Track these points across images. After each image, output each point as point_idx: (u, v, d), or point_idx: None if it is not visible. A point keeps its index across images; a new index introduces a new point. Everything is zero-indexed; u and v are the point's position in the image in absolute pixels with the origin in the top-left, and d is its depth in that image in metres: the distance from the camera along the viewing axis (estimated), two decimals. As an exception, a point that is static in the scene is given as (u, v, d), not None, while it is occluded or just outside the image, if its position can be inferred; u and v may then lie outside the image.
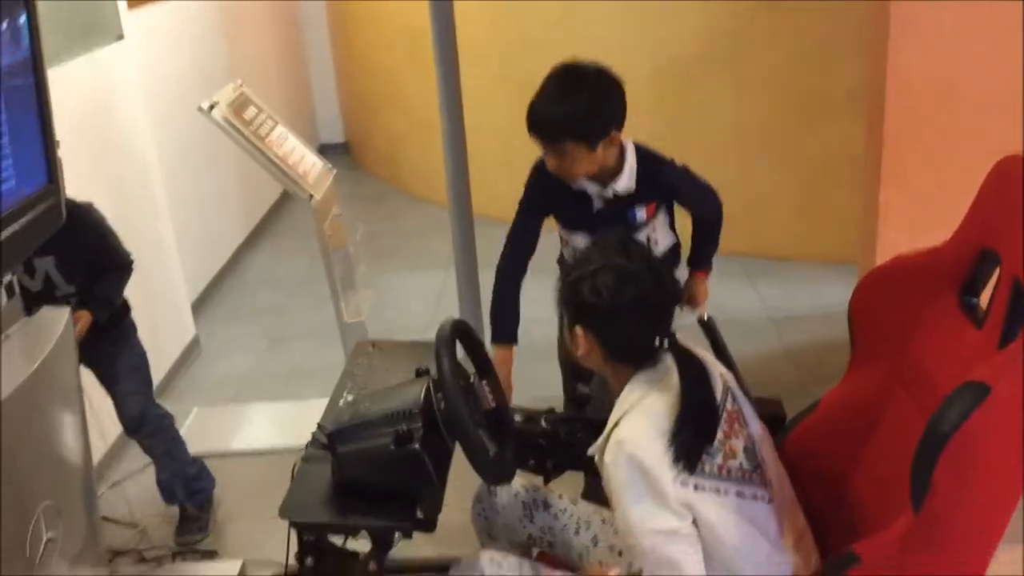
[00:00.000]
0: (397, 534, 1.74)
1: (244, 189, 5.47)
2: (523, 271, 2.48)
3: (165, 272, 4.03)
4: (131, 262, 2.74)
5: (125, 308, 2.80)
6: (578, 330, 1.71)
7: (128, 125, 3.72)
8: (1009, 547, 1.61)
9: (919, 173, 2.83)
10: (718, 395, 1.74)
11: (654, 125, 3.28)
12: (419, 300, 4.68)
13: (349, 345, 3.32)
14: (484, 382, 1.94)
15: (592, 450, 1.74)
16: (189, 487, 2.93)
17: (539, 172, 2.42)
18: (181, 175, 4.44)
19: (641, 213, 2.40)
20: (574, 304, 1.71)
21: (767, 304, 4.49)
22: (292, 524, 1.74)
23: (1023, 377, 1.49)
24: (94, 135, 3.44)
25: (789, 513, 1.80)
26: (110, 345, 2.74)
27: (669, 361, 1.71)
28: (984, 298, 1.75)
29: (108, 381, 2.79)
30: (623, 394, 1.72)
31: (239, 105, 3.17)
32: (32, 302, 2.42)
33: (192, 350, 4.23)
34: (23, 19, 2.02)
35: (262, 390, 3.88)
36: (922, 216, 2.08)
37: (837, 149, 4.52)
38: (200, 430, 3.56)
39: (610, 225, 2.37)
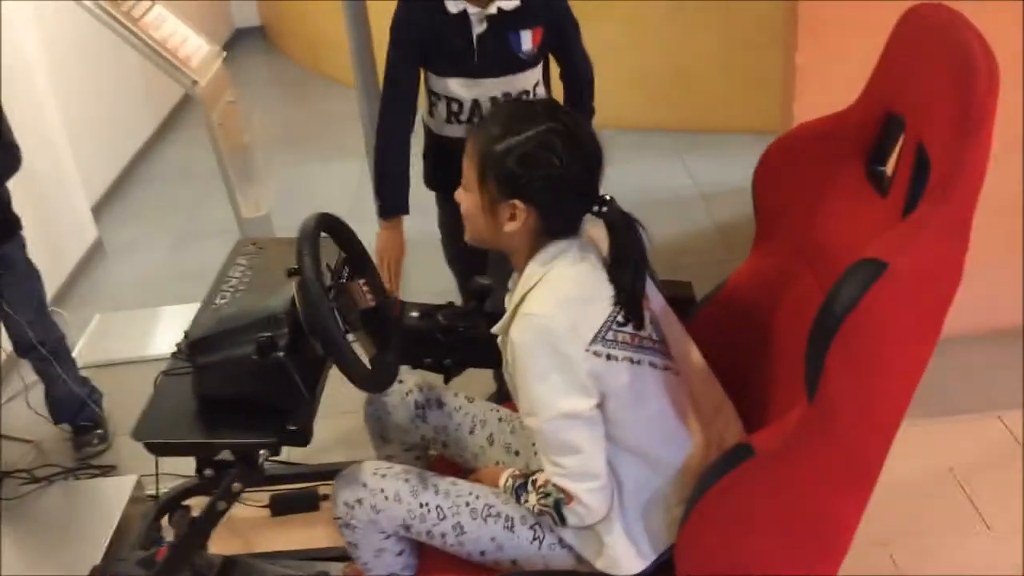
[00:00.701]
0: (263, 451, 1.60)
1: (148, 80, 5.14)
2: (408, 126, 2.26)
3: (56, 170, 3.78)
4: (12, 148, 2.49)
5: (9, 225, 2.57)
6: (517, 203, 1.53)
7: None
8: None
9: (837, 29, 2.65)
10: None
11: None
12: (338, 190, 4.48)
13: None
14: (361, 280, 1.78)
15: (496, 329, 1.62)
16: (79, 405, 2.79)
17: (405, 10, 2.19)
18: (74, 68, 4.14)
19: (526, 39, 2.16)
20: (510, 175, 1.52)
21: (697, 180, 4.36)
22: (146, 446, 1.60)
23: (923, 249, 1.37)
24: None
25: (702, 387, 1.72)
26: None
27: (587, 231, 1.61)
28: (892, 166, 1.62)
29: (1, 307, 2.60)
30: (528, 270, 1.58)
31: (103, -16, 2.88)
32: None
33: (95, 253, 4.03)
34: None
35: (168, 293, 3.70)
36: (842, 77, 1.91)
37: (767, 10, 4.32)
38: (102, 337, 3.39)
39: (490, 63, 2.16)
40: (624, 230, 1.57)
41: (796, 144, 1.84)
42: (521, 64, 2.20)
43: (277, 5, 6.75)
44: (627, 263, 1.56)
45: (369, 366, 1.68)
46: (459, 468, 1.93)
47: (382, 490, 1.69)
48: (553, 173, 1.52)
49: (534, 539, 1.67)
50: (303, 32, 6.45)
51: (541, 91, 2.29)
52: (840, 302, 1.37)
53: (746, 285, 1.94)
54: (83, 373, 2.90)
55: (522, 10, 2.14)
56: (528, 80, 2.23)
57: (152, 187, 4.77)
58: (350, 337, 1.67)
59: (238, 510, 2.49)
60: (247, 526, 2.53)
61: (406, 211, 2.29)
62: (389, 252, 2.32)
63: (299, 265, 1.57)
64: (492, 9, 2.12)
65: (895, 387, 1.44)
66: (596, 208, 1.57)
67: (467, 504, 1.68)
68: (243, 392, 1.61)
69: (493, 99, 2.22)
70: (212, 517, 1.64)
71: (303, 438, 1.63)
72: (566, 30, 2.23)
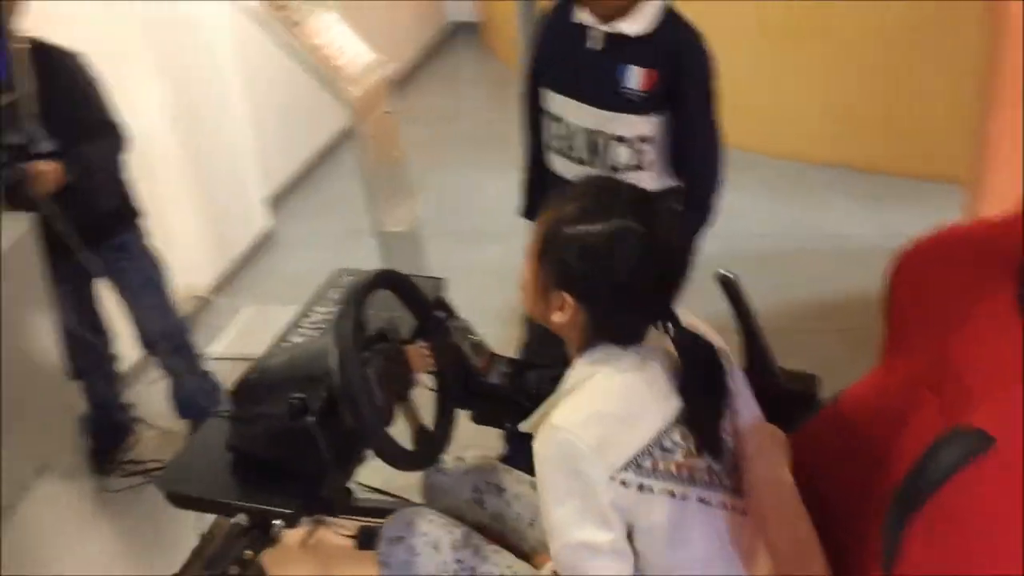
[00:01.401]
0: (277, 522, 1.50)
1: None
2: (539, 139, 2.17)
3: (234, 162, 3.90)
4: (118, 127, 2.50)
5: (127, 213, 2.63)
6: (567, 297, 1.36)
7: (199, 12, 3.54)
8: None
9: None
10: None
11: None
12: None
13: (386, 256, 3.10)
14: (423, 344, 1.65)
15: (525, 426, 1.45)
16: (204, 402, 2.83)
17: (546, 15, 2.07)
18: (264, 63, 4.26)
19: (636, 77, 1.96)
20: (566, 265, 1.35)
21: (888, 230, 3.95)
22: (167, 496, 1.54)
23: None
24: (157, 22, 3.30)
25: (781, 522, 1.48)
26: (117, 254, 2.59)
27: (655, 342, 1.40)
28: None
29: (123, 295, 2.67)
30: (574, 367, 1.41)
31: (277, -11, 2.89)
32: (12, 156, 2.29)
33: (266, 242, 4.13)
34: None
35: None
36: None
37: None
38: (246, 330, 3.45)
39: (593, 89, 1.99)
40: (692, 359, 1.37)
41: (941, 250, 1.56)
42: (623, 103, 1.99)
43: (490, 5, 6.73)
44: (695, 393, 1.36)
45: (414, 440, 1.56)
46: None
47: (425, 535, 1.61)
48: (614, 279, 1.33)
49: None
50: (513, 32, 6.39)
51: (648, 155, 2.05)
52: (926, 476, 1.12)
53: (863, 401, 1.66)
54: (219, 365, 2.94)
55: (643, 43, 1.94)
56: (629, 126, 2.01)
57: (332, 185, 4.84)
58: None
59: (325, 535, 2.44)
60: (328, 553, 2.47)
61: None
62: None
63: (336, 329, 1.46)
64: (611, 28, 1.94)
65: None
66: (660, 325, 1.37)
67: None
68: (269, 453, 1.53)
69: (588, 133, 2.03)
70: (223, 581, 1.56)
71: (329, 507, 1.52)
72: (685, 89, 1.98)
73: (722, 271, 1.97)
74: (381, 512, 2.48)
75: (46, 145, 2.35)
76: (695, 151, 2.04)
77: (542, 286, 1.38)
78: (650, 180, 2.04)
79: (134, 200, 2.65)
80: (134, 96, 3.28)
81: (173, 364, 2.78)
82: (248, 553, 1.53)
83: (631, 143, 2.00)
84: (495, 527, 1.78)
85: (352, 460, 1.57)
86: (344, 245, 4.13)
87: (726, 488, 1.42)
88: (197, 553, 1.92)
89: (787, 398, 1.86)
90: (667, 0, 1.97)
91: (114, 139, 2.49)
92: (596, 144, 2.01)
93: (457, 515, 1.80)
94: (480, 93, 6.37)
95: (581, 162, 2.05)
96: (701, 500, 1.38)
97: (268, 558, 2.06)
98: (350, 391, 1.43)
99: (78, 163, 2.37)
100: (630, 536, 1.34)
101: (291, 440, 1.49)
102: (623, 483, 1.30)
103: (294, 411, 1.48)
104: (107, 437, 2.80)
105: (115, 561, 2.33)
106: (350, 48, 3.01)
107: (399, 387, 1.58)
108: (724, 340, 1.52)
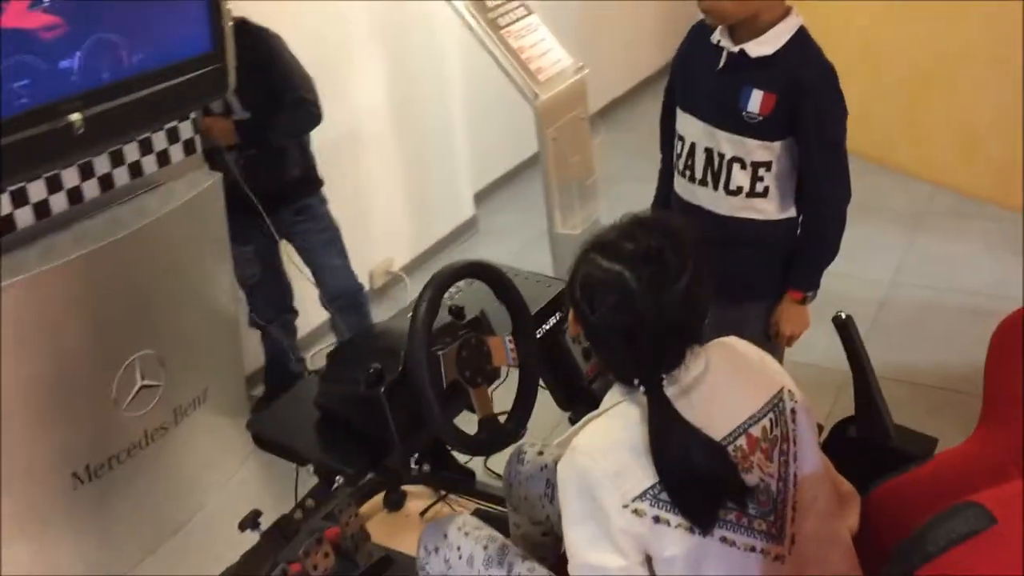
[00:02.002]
0: (338, 477, 1.62)
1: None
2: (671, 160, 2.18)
3: (448, 154, 4.11)
4: (310, 100, 2.69)
5: (311, 181, 2.85)
6: (572, 314, 1.41)
7: (425, 10, 3.76)
8: None
9: None
10: (739, 422, 1.38)
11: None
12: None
13: (558, 256, 3.17)
14: (509, 337, 1.71)
15: (558, 442, 1.49)
16: None
17: (688, 33, 2.08)
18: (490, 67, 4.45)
19: (755, 100, 1.91)
20: (572, 291, 1.39)
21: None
22: (252, 436, 1.70)
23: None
24: (388, 13, 3.55)
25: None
26: (297, 217, 2.82)
27: (693, 365, 1.38)
28: None
29: (306, 255, 2.91)
30: (610, 391, 1.43)
31: (486, -10, 3.05)
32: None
33: (467, 229, 4.32)
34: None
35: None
36: None
37: None
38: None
39: (715, 107, 1.96)
40: (656, 420, 1.31)
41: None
42: (742, 125, 1.94)
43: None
44: (656, 456, 1.30)
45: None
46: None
47: (459, 548, 1.66)
48: (591, 318, 1.34)
49: None
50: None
51: (767, 181, 1.98)
52: (920, 548, 1.06)
53: (950, 467, 1.56)
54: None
55: (766, 65, 1.90)
56: (746, 150, 1.96)
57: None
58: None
59: (442, 512, 2.55)
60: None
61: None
62: None
63: (415, 308, 1.55)
64: (736, 48, 1.92)
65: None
66: (637, 383, 1.34)
67: None
68: (345, 415, 1.64)
69: (707, 151, 2.00)
70: (286, 525, 1.69)
71: (389, 476, 1.62)
72: (805, 116, 1.90)
73: (840, 313, 1.90)
74: (498, 499, 2.57)
75: (241, 113, 2.61)
76: (812, 182, 1.97)
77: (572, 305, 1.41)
78: (771, 208, 1.99)
79: (316, 169, 2.86)
80: (359, 82, 3.56)
81: (346, 321, 2.98)
82: (310, 501, 1.66)
83: (749, 167, 1.96)
84: (559, 526, 1.81)
85: (418, 435, 1.65)
86: (537, 242, 4.24)
87: (760, 533, 1.37)
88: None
89: (894, 455, 1.76)
90: (803, 26, 1.91)
91: (304, 114, 2.70)
92: (714, 166, 1.99)
93: (530, 507, 1.85)
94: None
95: (701, 183, 2.03)
96: (724, 540, 1.35)
97: (380, 527, 2.21)
98: (414, 367, 1.52)
99: (264, 129, 2.61)
100: (651, 564, 1.34)
101: (363, 406, 1.60)
102: (636, 512, 1.30)
103: (369, 379, 1.59)
104: (279, 385, 3.05)
105: (253, 494, 2.54)
106: (550, 53, 3.11)
107: (474, 373, 1.64)
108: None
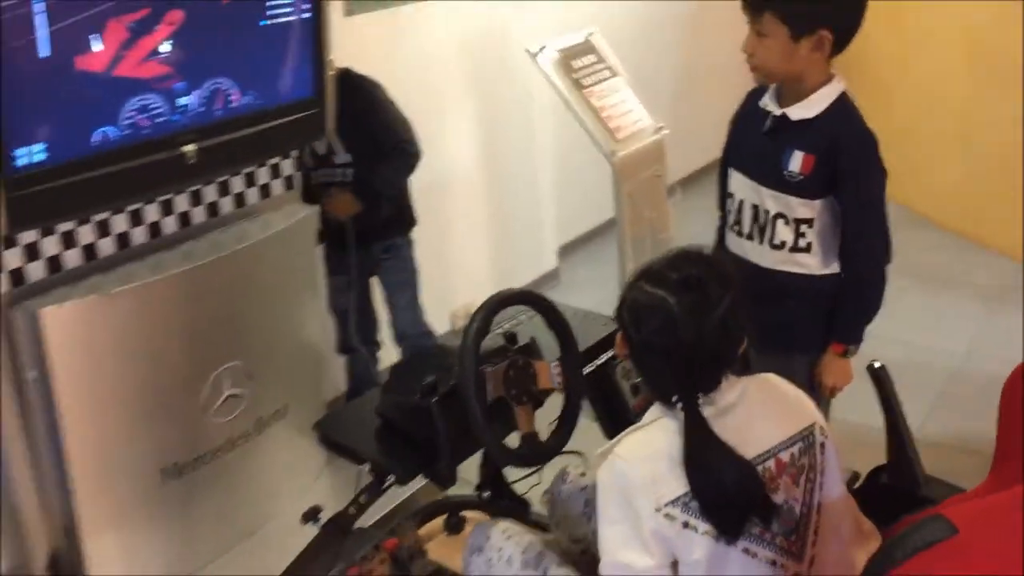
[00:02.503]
0: (390, 476, 1.78)
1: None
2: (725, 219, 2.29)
3: (534, 202, 4.30)
4: (409, 148, 2.86)
5: (403, 221, 3.04)
6: (619, 336, 1.56)
7: (522, 69, 3.98)
8: None
9: None
10: (769, 446, 1.50)
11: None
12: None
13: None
14: (555, 363, 1.86)
15: (600, 451, 1.61)
16: None
17: (745, 97, 2.21)
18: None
19: (795, 161, 2.02)
20: (620, 317, 1.54)
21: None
22: (319, 436, 1.88)
23: (1003, 530, 1.10)
24: (486, 69, 3.79)
25: None
26: (384, 255, 3.01)
27: (729, 392, 1.51)
28: None
29: (385, 292, 3.09)
30: (651, 408, 1.57)
31: (575, 52, 3.24)
32: (314, 165, 2.82)
33: (548, 280, 4.48)
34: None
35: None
36: None
37: None
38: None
39: (760, 165, 2.08)
40: (690, 436, 1.44)
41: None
42: (784, 184, 2.05)
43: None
44: (690, 471, 1.42)
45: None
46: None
47: (500, 549, 1.78)
48: (638, 339, 1.47)
49: None
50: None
51: (809, 237, 2.08)
52: (889, 556, 1.17)
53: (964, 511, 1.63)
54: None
55: (807, 127, 2.01)
56: (788, 207, 2.06)
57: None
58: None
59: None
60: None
61: None
62: None
63: (466, 327, 1.72)
64: (779, 111, 2.05)
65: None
66: (675, 400, 1.47)
67: None
68: (399, 422, 1.81)
69: (753, 207, 2.12)
70: (341, 521, 1.86)
71: (441, 481, 1.78)
72: (842, 176, 2.01)
73: (874, 362, 1.99)
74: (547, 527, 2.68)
75: (343, 157, 2.84)
76: (849, 240, 2.06)
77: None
78: (814, 263, 2.08)
79: (411, 210, 3.06)
80: (453, 132, 3.79)
81: None
82: (363, 497, 1.83)
83: (792, 223, 2.07)
84: (596, 543, 1.93)
85: (465, 445, 1.81)
86: (615, 296, 4.37)
87: (781, 549, 1.48)
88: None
89: (922, 503, 1.83)
90: (845, 91, 2.03)
91: (404, 161, 2.90)
92: (760, 221, 2.10)
93: (570, 525, 1.98)
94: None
95: (748, 237, 2.14)
96: (746, 551, 1.46)
97: (437, 547, 2.35)
98: (462, 381, 1.68)
99: (370, 185, 2.82)
100: (675, 567, 1.46)
101: (416, 414, 1.77)
102: (668, 516, 1.42)
103: (423, 390, 1.76)
104: None
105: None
106: (631, 113, 3.28)
107: (520, 392, 1.79)
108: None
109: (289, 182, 2.74)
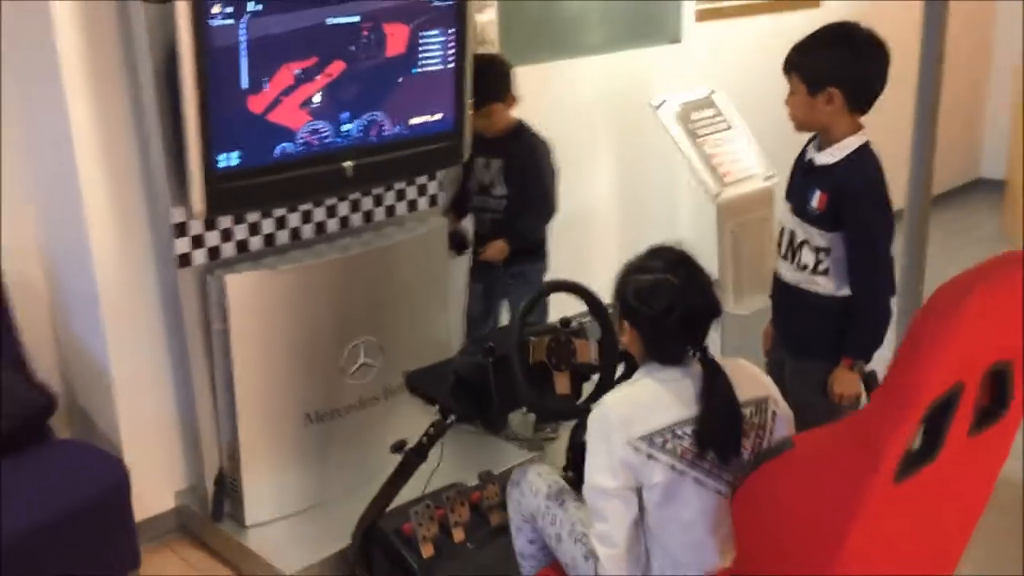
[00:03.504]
0: (451, 416, 2.32)
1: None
2: None
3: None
4: (551, 207, 3.43)
5: (533, 252, 3.50)
6: (625, 324, 1.99)
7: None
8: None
9: None
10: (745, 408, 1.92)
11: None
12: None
13: (727, 333, 3.68)
14: (596, 341, 2.34)
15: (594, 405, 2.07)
16: None
17: (803, 147, 2.59)
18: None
19: (815, 198, 2.41)
20: (623, 301, 1.97)
21: None
22: (406, 383, 2.45)
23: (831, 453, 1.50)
24: (619, 117, 4.30)
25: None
26: (511, 280, 3.50)
27: (695, 368, 1.94)
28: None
29: (511, 311, 3.61)
30: (636, 374, 2.02)
31: (695, 106, 3.70)
32: (479, 190, 3.46)
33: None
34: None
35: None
36: None
37: None
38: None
39: (798, 201, 2.48)
40: (711, 377, 1.87)
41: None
42: (809, 216, 2.43)
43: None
44: (708, 402, 1.86)
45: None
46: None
47: (532, 484, 2.24)
48: (652, 314, 1.89)
49: (596, 573, 2.05)
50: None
51: (825, 263, 2.43)
52: (754, 463, 1.60)
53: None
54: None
55: (825, 171, 2.40)
56: (810, 236, 2.43)
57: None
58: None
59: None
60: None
61: None
62: None
63: (520, 307, 2.24)
64: (809, 156, 2.45)
65: (794, 557, 1.55)
66: (692, 352, 1.90)
67: (572, 524, 2.12)
68: (466, 376, 2.34)
69: (790, 233, 2.50)
70: (416, 449, 2.41)
71: (491, 426, 2.29)
72: (845, 213, 2.36)
73: (867, 367, 2.35)
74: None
75: (500, 190, 3.42)
76: (853, 270, 2.40)
77: (618, 319, 2.01)
78: (830, 285, 2.44)
79: (545, 244, 3.56)
80: (596, 172, 4.32)
81: None
82: (431, 429, 2.37)
83: (813, 250, 2.44)
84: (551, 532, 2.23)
85: (513, 399, 2.30)
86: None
87: (727, 482, 1.88)
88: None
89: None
90: (868, 145, 2.40)
91: (546, 215, 3.45)
92: (792, 245, 2.49)
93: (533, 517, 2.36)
94: (965, 243, 6.31)
95: (784, 258, 2.53)
96: (697, 480, 1.88)
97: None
98: (510, 345, 2.20)
99: (516, 231, 3.40)
100: (640, 493, 1.90)
101: (476, 371, 2.30)
102: (635, 449, 1.86)
103: (484, 352, 2.29)
104: None
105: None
106: (742, 161, 3.70)
107: (559, 360, 2.28)
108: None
109: (433, 200, 3.36)
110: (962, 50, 6.24)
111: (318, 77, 2.74)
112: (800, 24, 2.56)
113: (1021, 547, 2.89)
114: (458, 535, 2.70)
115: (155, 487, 3.13)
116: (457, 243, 3.51)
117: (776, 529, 1.56)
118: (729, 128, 3.78)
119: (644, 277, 1.93)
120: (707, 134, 3.69)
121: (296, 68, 2.68)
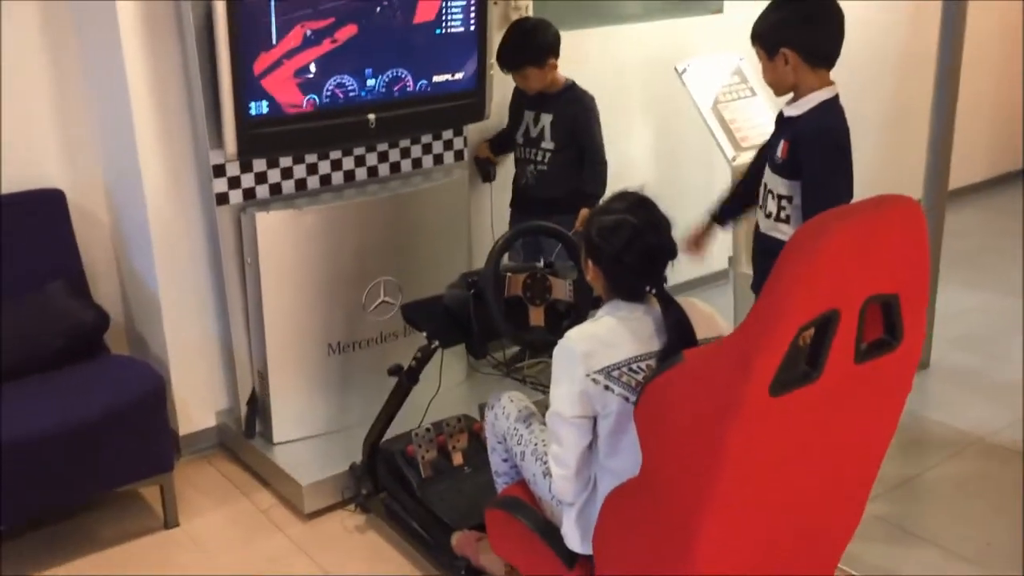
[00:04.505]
0: (435, 341, 2.57)
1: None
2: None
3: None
4: (605, 165, 3.60)
5: (571, 203, 3.60)
6: (590, 263, 2.15)
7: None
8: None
9: None
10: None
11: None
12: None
13: (739, 293, 3.84)
14: (571, 281, 2.55)
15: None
16: None
17: None
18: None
19: (781, 146, 2.55)
20: (588, 241, 2.13)
21: None
22: (402, 313, 2.71)
23: (710, 366, 1.70)
24: (657, 84, 4.45)
25: None
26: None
27: (654, 307, 2.12)
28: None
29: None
30: (598, 310, 2.22)
31: (721, 72, 3.84)
32: (525, 142, 3.68)
33: (718, 279, 5.01)
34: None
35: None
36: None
37: None
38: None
39: (769, 152, 2.64)
40: (666, 309, 2.05)
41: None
42: (774, 166, 2.58)
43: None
44: (669, 334, 2.04)
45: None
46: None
47: (504, 407, 2.46)
48: (614, 252, 2.05)
49: (550, 490, 2.28)
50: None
51: (787, 211, 2.57)
52: (653, 375, 1.80)
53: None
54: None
55: (790, 122, 2.55)
56: (776, 185, 2.57)
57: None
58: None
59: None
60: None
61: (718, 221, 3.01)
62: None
63: (495, 243, 2.46)
64: (783, 110, 2.61)
65: (688, 463, 1.75)
66: (649, 288, 2.08)
67: (535, 445, 2.34)
68: (451, 307, 2.59)
69: (764, 184, 2.66)
70: (409, 370, 2.68)
71: (473, 351, 2.53)
72: (801, 159, 2.49)
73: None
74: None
75: (548, 144, 3.62)
76: (805, 213, 2.50)
77: (583, 257, 2.21)
78: (789, 232, 2.57)
79: (579, 197, 3.68)
80: (633, 136, 4.49)
81: None
82: (418, 353, 2.63)
83: (776, 198, 2.59)
84: (516, 448, 2.44)
85: (493, 329, 2.53)
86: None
87: None
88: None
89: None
90: (836, 99, 2.52)
91: (604, 172, 3.62)
92: (764, 194, 2.65)
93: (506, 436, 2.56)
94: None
95: (759, 207, 2.69)
96: None
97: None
98: (483, 276, 2.43)
99: (581, 193, 3.56)
100: (596, 421, 2.11)
101: (460, 303, 2.55)
102: (594, 380, 2.03)
103: (467, 285, 2.53)
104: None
105: (450, 403, 3.52)
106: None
107: (534, 296, 2.51)
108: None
109: (459, 155, 3.60)
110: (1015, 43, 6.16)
111: (337, 35, 3.00)
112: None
113: (1020, 511, 3.01)
114: (457, 459, 2.97)
115: (199, 405, 3.49)
116: (484, 171, 3.80)
117: (668, 433, 1.76)
118: (754, 95, 3.90)
119: (606, 217, 2.09)
120: (730, 100, 3.83)
121: (319, 26, 2.95)
